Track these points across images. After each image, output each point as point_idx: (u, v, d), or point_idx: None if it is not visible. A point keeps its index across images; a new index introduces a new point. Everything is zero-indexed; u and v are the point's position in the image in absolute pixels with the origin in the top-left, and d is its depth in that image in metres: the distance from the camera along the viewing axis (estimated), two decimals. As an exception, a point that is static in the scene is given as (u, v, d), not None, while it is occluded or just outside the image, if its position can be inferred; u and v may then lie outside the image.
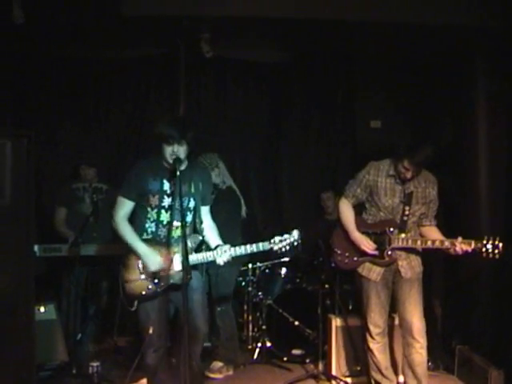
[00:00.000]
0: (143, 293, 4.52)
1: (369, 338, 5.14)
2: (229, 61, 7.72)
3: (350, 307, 6.47)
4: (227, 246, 4.54)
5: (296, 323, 6.24)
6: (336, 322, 5.78)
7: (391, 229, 4.92)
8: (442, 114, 6.97)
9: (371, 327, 5.09)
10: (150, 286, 4.52)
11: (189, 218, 4.63)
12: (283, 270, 6.71)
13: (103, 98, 7.69)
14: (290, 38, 7.04)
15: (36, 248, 5.96)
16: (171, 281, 4.51)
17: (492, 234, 4.62)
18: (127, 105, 7.76)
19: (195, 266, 4.62)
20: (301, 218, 7.67)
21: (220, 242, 4.61)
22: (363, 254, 5.06)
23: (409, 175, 4.86)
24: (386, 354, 5.19)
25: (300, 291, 6.50)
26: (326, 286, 6.37)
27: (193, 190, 4.58)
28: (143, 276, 4.53)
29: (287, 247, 4.49)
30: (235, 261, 5.69)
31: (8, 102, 7.05)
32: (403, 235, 4.91)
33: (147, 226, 4.59)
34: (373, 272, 5.03)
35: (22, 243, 4.22)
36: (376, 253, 4.96)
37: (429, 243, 4.83)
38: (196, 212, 4.66)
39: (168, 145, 4.45)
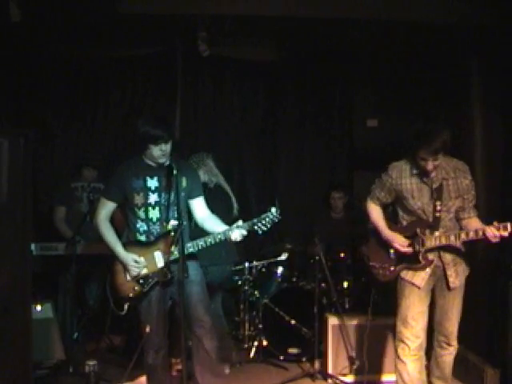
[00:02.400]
0: (130, 295, 4.54)
1: (404, 351, 4.69)
2: (225, 59, 7.72)
3: (347, 306, 6.48)
4: (239, 222, 4.47)
5: (292, 322, 6.24)
6: (332, 321, 5.78)
7: (423, 229, 4.59)
8: (438, 112, 6.97)
9: (412, 338, 4.65)
10: (135, 288, 4.54)
11: (174, 213, 4.58)
12: (279, 269, 6.72)
13: (100, 96, 7.69)
14: (286, 36, 7.05)
15: (33, 246, 5.97)
16: (155, 279, 4.52)
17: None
18: (124, 103, 7.76)
19: (193, 257, 4.60)
20: (298, 216, 7.69)
21: (225, 227, 4.51)
22: (399, 261, 4.74)
23: (430, 166, 4.45)
24: (423, 374, 4.76)
25: (296, 290, 6.51)
26: (323, 284, 6.38)
27: (175, 185, 4.50)
28: (128, 278, 4.54)
29: (268, 225, 4.39)
30: (225, 260, 5.72)
31: (5, 101, 7.05)
32: (436, 233, 4.55)
33: (138, 225, 4.60)
34: (417, 277, 4.65)
35: (18, 242, 4.24)
36: (410, 250, 4.65)
37: (462, 236, 4.44)
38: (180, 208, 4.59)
39: (156, 145, 4.45)
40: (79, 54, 7.29)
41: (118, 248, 4.55)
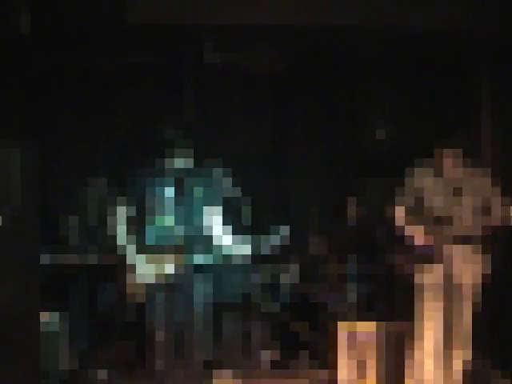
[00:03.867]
0: (136, 297, 4.56)
1: (420, 355, 4.90)
2: (232, 68, 7.73)
3: (356, 313, 6.46)
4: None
5: (301, 330, 6.23)
6: (341, 329, 5.76)
7: (439, 226, 4.78)
8: (447, 122, 6.96)
9: (427, 338, 4.85)
10: (141, 291, 4.55)
11: (190, 221, 4.61)
12: (288, 277, 6.70)
13: (108, 106, 7.71)
14: (295, 46, 7.06)
15: (42, 256, 5.97)
16: (163, 283, 4.53)
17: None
18: (131, 112, 7.78)
19: (201, 269, 4.60)
20: (307, 225, 7.68)
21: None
22: (416, 258, 4.91)
23: (449, 164, 4.78)
24: (440, 375, 4.92)
25: (305, 297, 6.49)
26: (332, 292, 6.37)
27: (194, 195, 4.55)
28: (136, 280, 4.56)
29: None
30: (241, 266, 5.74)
31: (15, 111, 7.07)
32: (452, 228, 4.77)
33: (150, 230, 4.62)
34: (431, 277, 4.85)
35: (28, 251, 4.24)
36: (430, 243, 4.80)
37: (475, 229, 4.70)
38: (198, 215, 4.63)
39: (171, 150, 4.47)
40: (87, 64, 7.32)
41: (131, 252, 4.57)
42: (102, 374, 5.42)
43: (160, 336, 4.54)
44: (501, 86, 6.41)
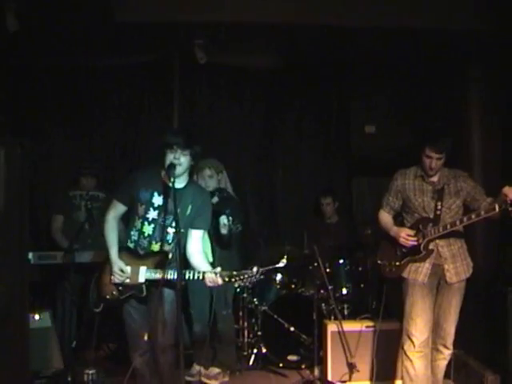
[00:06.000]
0: (107, 297, 4.60)
1: (410, 348, 4.85)
2: (223, 67, 7.72)
3: (346, 312, 6.48)
4: (218, 269, 4.45)
5: (291, 329, 6.23)
6: (331, 328, 5.77)
7: (425, 224, 4.81)
8: (435, 118, 6.98)
9: (416, 334, 4.81)
10: (114, 292, 4.58)
11: (169, 236, 4.57)
12: (278, 276, 6.71)
13: (97, 105, 7.69)
14: (284, 44, 7.05)
15: (30, 255, 5.95)
16: (132, 291, 4.53)
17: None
18: (121, 112, 7.77)
19: (172, 285, 4.52)
20: (295, 223, 7.69)
21: (209, 268, 4.49)
22: (403, 256, 4.93)
23: (433, 164, 4.77)
24: (428, 370, 4.90)
25: (295, 297, 6.50)
26: (322, 291, 6.38)
27: (178, 209, 4.44)
28: (111, 281, 4.57)
29: (245, 282, 4.58)
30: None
31: (1, 110, 7.04)
32: (436, 227, 4.77)
33: (132, 233, 4.63)
34: (419, 273, 4.84)
35: (16, 250, 4.22)
36: (415, 242, 4.83)
37: (457, 223, 4.66)
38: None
39: (171, 152, 4.44)
40: (77, 63, 7.29)
41: (113, 251, 4.58)
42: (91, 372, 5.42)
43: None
44: (489, 86, 6.44)
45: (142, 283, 4.50)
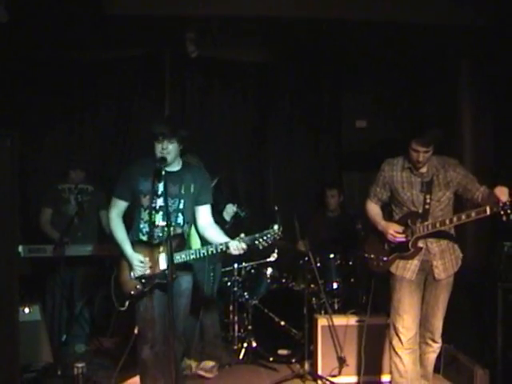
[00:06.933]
0: (132, 292, 4.56)
1: (398, 344, 4.84)
2: (214, 61, 7.71)
3: (336, 307, 6.49)
4: (242, 235, 4.46)
5: (282, 323, 6.23)
6: (322, 322, 5.78)
7: (414, 220, 4.74)
8: (427, 113, 6.99)
9: (404, 331, 4.79)
10: (138, 286, 4.56)
11: (179, 219, 4.59)
12: (269, 270, 6.70)
13: (88, 98, 7.66)
14: (275, 37, 7.04)
15: (20, 248, 5.95)
16: (157, 280, 4.52)
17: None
18: (112, 105, 7.75)
19: (188, 267, 4.59)
20: (287, 215, 7.68)
21: (227, 239, 4.52)
22: (391, 251, 4.89)
23: (421, 158, 4.66)
24: (417, 365, 4.88)
25: (286, 291, 6.50)
26: (312, 285, 6.39)
27: (183, 191, 4.55)
28: (132, 276, 4.55)
29: (269, 241, 4.42)
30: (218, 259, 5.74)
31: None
32: (425, 223, 4.69)
33: (141, 226, 4.61)
34: (407, 270, 4.79)
35: (5, 243, 4.20)
36: (403, 239, 4.77)
37: (447, 222, 4.60)
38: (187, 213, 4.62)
39: (158, 142, 4.46)
40: (67, 56, 7.26)
41: (127, 246, 4.56)
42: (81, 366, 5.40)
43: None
44: (480, 79, 6.46)
45: (165, 269, 4.47)
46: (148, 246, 4.57)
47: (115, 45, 7.19)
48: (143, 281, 4.55)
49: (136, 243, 4.59)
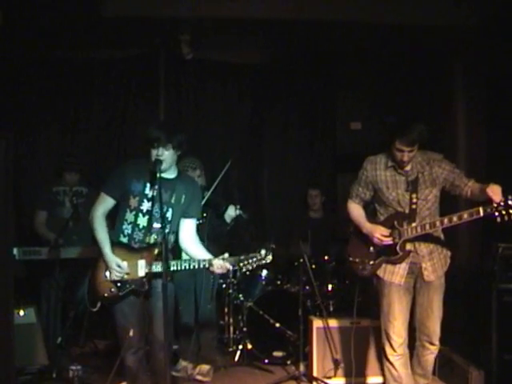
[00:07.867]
0: (105, 295, 4.49)
1: (389, 350, 4.77)
2: (209, 62, 7.72)
3: (331, 308, 6.49)
4: (225, 255, 4.42)
5: (277, 325, 6.23)
6: (317, 324, 5.77)
7: (400, 221, 4.59)
8: (421, 114, 7.00)
9: (394, 337, 4.71)
10: (112, 289, 4.47)
11: (166, 227, 4.54)
12: (264, 272, 6.69)
13: (83, 99, 7.66)
14: (270, 39, 7.06)
15: (15, 251, 5.92)
16: (133, 286, 4.47)
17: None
18: (107, 106, 7.74)
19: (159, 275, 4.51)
20: (282, 217, 7.70)
21: (210, 256, 4.47)
22: (378, 254, 4.75)
23: (405, 158, 4.49)
24: (408, 368, 4.82)
25: (281, 293, 6.50)
26: (307, 287, 6.39)
27: (173, 200, 4.47)
28: (107, 278, 4.50)
29: (254, 265, 4.40)
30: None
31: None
32: (413, 224, 4.55)
33: (124, 227, 4.54)
34: (395, 275, 4.67)
35: (0, 246, 4.19)
36: (390, 242, 4.62)
37: (437, 224, 4.47)
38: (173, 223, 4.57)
39: (153, 148, 4.41)
40: (62, 57, 7.26)
41: (106, 248, 4.48)
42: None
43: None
44: (474, 78, 6.47)
45: (142, 277, 4.43)
46: (127, 250, 4.49)
47: (110, 46, 7.20)
48: (119, 284, 4.50)
49: (115, 245, 4.51)
